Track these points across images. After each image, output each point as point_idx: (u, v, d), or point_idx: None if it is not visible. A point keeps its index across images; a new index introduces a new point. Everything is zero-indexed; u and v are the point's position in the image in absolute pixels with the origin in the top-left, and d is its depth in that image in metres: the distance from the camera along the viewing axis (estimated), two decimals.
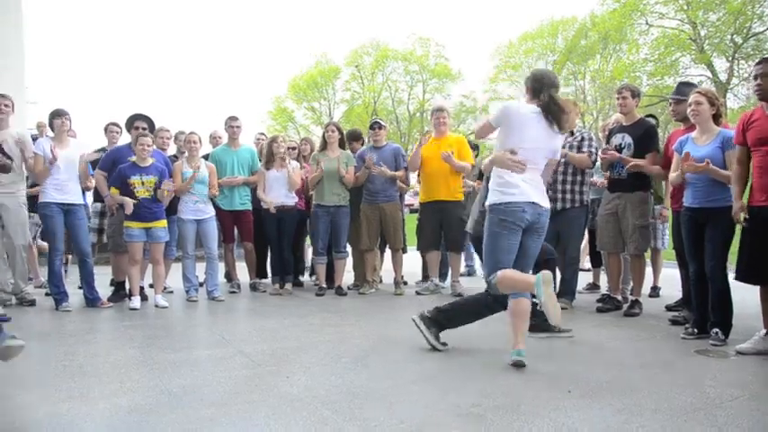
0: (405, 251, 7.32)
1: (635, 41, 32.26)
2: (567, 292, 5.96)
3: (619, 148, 5.64)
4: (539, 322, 4.62)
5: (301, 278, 7.86)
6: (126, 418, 2.86)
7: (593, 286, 7.25)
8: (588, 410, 2.95)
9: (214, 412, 2.92)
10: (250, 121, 8.82)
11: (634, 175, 5.56)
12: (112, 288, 6.66)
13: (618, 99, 5.78)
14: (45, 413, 2.97)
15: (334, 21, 54.61)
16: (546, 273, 3.53)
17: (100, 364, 3.94)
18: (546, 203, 3.89)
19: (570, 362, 3.97)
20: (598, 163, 6.04)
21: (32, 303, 6.13)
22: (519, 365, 3.70)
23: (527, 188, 3.78)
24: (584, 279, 6.83)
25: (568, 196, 5.89)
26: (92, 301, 6.09)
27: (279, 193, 6.87)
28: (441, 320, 4.28)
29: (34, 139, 6.53)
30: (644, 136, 5.57)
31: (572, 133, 5.88)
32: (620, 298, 5.96)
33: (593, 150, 5.84)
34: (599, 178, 6.35)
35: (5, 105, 5.98)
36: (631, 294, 5.82)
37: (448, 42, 44.43)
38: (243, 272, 7.41)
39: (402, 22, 54.95)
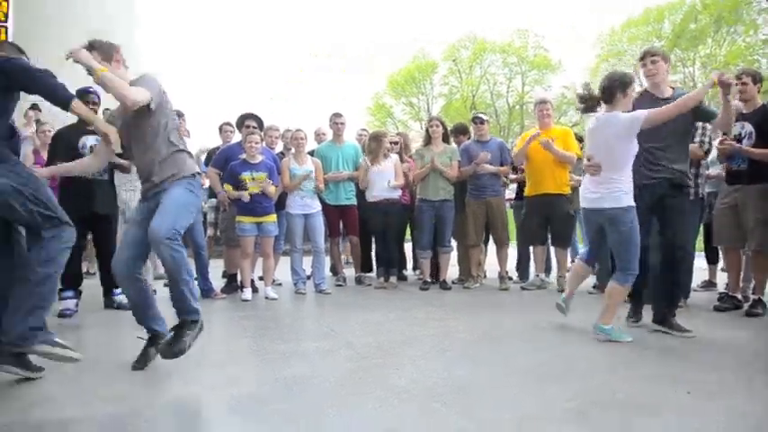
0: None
1: (753, 22, 30.16)
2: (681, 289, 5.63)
3: (738, 138, 5.29)
4: (662, 314, 4.43)
5: (405, 272, 7.90)
6: (244, 406, 2.97)
7: (709, 284, 6.86)
8: (707, 413, 2.79)
9: (326, 402, 2.99)
10: (350, 118, 9.04)
11: (755, 166, 5.20)
12: (225, 280, 6.94)
13: (737, 85, 5.41)
14: (170, 399, 3.15)
15: (430, 15, 54.38)
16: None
17: (217, 352, 4.11)
18: (599, 204, 4.26)
19: (687, 362, 3.77)
20: (714, 154, 5.69)
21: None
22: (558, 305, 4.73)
23: (589, 194, 4.37)
24: (698, 276, 6.46)
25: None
26: (206, 292, 6.38)
27: (382, 187, 6.94)
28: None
29: None
30: (766, 123, 5.19)
31: None
32: (740, 297, 5.60)
33: (706, 140, 5.49)
34: (716, 170, 5.99)
35: None
36: (753, 293, 5.45)
37: (547, 33, 43.15)
38: (348, 265, 7.53)
39: (499, 15, 53.84)
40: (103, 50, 3.62)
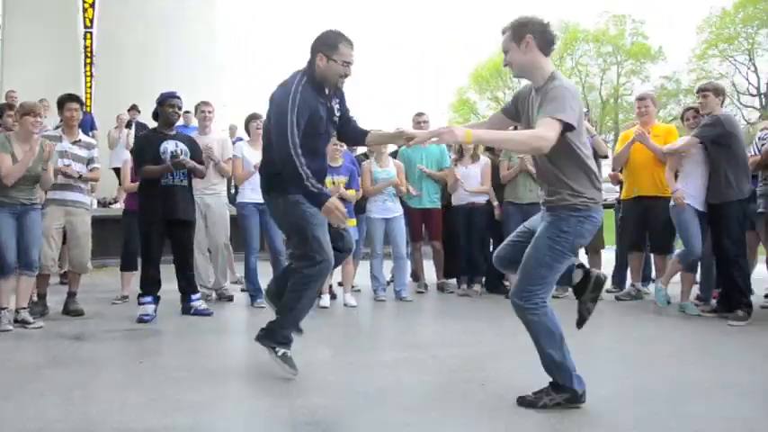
0: None
1: None
2: None
3: None
4: None
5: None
6: (323, 417, 3.04)
7: None
8: None
9: (409, 417, 3.02)
10: (432, 115, 8.99)
11: None
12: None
13: None
14: (245, 408, 3.24)
15: (518, 3, 53.46)
16: None
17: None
18: None
19: None
20: None
21: (230, 299, 6.67)
22: None
23: None
24: None
25: None
26: None
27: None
28: None
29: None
30: None
31: None
32: None
33: None
34: None
35: (209, 112, 6.65)
36: None
37: (647, 18, 41.54)
38: (430, 271, 7.54)
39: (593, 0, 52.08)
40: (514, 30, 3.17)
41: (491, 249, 6.92)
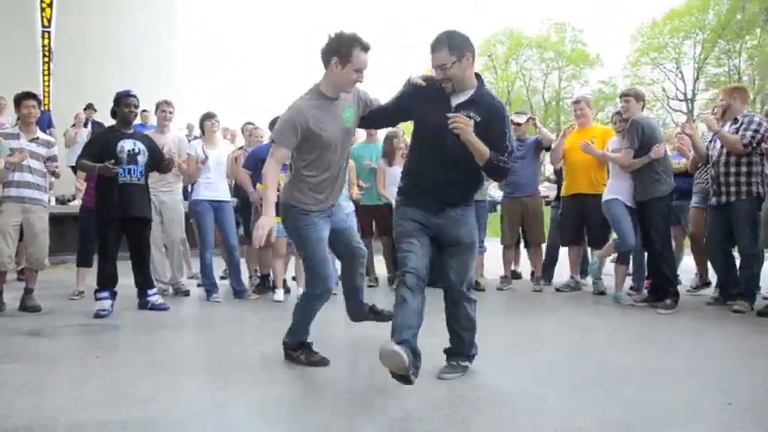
0: None
1: None
2: (744, 293, 5.50)
3: None
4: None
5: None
6: (276, 408, 3.06)
7: None
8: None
9: (357, 407, 3.05)
10: None
11: None
12: (257, 281, 7.01)
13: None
14: (200, 400, 3.21)
15: (465, 9, 53.72)
16: None
17: (251, 354, 4.17)
18: None
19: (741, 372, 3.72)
20: None
21: (187, 294, 6.59)
22: None
23: None
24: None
25: (733, 188, 5.50)
26: (239, 292, 6.45)
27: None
28: None
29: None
30: None
31: (736, 120, 5.52)
32: None
33: (752, 134, 5.38)
34: None
35: (170, 112, 6.54)
36: None
37: (586, 26, 42.50)
38: (380, 266, 7.56)
39: (536, 8, 52.71)
40: None
41: None
